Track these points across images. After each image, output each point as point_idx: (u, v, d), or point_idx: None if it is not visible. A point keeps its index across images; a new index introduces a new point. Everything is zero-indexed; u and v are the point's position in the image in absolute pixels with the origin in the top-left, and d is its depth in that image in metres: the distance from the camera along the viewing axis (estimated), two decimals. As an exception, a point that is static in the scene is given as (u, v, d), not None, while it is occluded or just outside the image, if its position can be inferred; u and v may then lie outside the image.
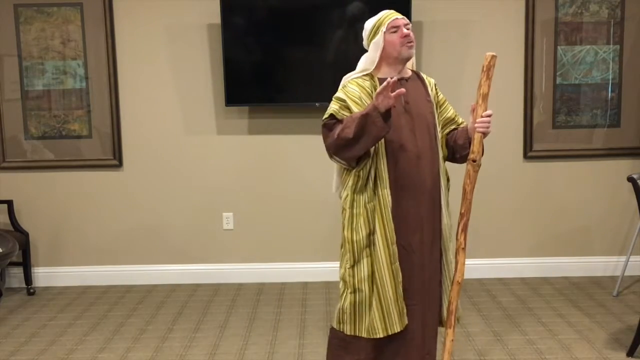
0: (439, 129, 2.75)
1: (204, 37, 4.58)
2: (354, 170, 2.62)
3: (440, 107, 2.80)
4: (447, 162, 2.82)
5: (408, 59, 2.68)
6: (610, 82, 4.62)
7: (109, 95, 4.62)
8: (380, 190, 2.61)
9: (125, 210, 4.75)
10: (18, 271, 4.73)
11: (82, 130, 4.67)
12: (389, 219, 2.61)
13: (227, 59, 4.44)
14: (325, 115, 2.64)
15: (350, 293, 2.66)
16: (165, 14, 4.58)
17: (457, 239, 2.71)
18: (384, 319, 2.62)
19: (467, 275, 4.62)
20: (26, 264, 4.67)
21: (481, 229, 4.73)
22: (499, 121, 4.65)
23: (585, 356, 3.40)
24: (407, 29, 2.64)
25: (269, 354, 3.53)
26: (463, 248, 2.70)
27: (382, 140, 2.58)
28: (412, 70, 2.79)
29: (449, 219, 2.78)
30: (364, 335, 2.65)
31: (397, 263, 2.62)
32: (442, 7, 4.54)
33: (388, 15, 2.66)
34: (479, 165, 2.66)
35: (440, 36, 4.56)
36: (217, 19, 4.43)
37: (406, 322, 2.65)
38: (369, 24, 2.70)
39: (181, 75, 4.63)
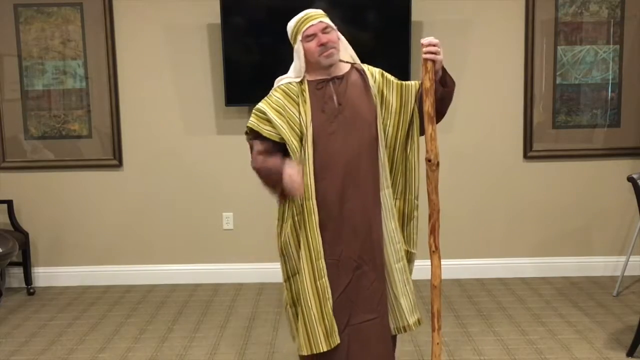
0: (380, 125, 2.54)
1: (204, 37, 4.58)
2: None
3: (401, 90, 2.58)
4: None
5: (330, 66, 2.53)
6: (610, 82, 4.62)
7: (109, 95, 4.62)
8: (305, 200, 2.47)
9: (125, 210, 4.75)
10: (18, 271, 4.73)
11: (82, 130, 4.67)
12: (314, 232, 2.47)
13: (227, 59, 4.44)
14: (245, 129, 2.58)
15: (290, 307, 2.61)
16: (165, 14, 4.58)
17: (428, 242, 2.57)
18: (307, 337, 2.50)
19: (467, 276, 4.68)
20: (26, 264, 4.67)
21: (481, 229, 4.73)
22: (499, 121, 4.67)
23: (585, 356, 3.40)
24: (326, 33, 2.49)
25: (269, 354, 3.53)
26: (434, 251, 2.56)
27: (310, 147, 2.47)
28: (353, 64, 2.61)
29: (394, 222, 2.59)
30: (297, 351, 2.57)
31: (324, 279, 2.48)
32: (442, 7, 4.54)
33: (303, 22, 2.52)
34: (437, 165, 2.51)
35: (440, 36, 4.51)
36: (217, 19, 4.43)
37: (337, 341, 2.50)
38: (289, 27, 2.61)
39: (181, 75, 4.63)
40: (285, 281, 2.62)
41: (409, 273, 2.67)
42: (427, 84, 2.43)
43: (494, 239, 4.75)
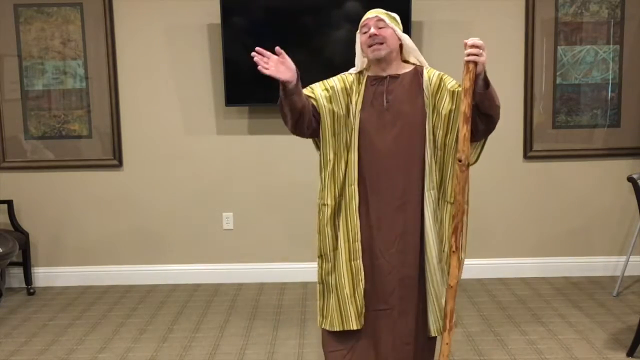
0: (430, 126, 2.59)
1: (204, 37, 4.58)
2: (325, 166, 2.63)
3: (454, 95, 2.58)
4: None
5: (378, 60, 2.59)
6: (610, 82, 4.62)
7: (109, 95, 4.62)
8: (347, 186, 2.61)
9: (125, 210, 4.75)
10: (18, 271, 4.73)
11: (82, 130, 4.67)
12: (354, 216, 2.59)
13: (227, 59, 4.44)
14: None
15: (319, 284, 2.70)
16: (165, 14, 4.58)
17: (448, 242, 2.61)
18: (340, 314, 2.62)
19: (467, 276, 4.64)
20: (26, 264, 4.67)
21: (481, 229, 4.73)
22: (499, 121, 4.66)
23: (585, 356, 3.40)
24: (379, 27, 2.56)
25: (269, 354, 3.53)
26: (454, 251, 2.57)
27: (356, 136, 2.58)
28: (416, 65, 2.67)
29: (438, 224, 2.65)
30: (327, 327, 2.66)
31: (359, 261, 2.60)
32: (442, 7, 4.54)
33: (365, 15, 2.62)
34: (467, 165, 2.54)
35: (440, 36, 4.56)
36: (217, 19, 4.43)
37: (363, 322, 2.62)
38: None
39: (181, 75, 4.63)
40: (318, 258, 2.70)
41: (446, 277, 2.68)
42: (467, 84, 2.43)
43: (494, 239, 4.75)
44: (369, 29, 2.57)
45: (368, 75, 2.64)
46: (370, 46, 2.57)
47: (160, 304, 4.37)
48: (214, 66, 4.59)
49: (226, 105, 4.54)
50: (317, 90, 2.66)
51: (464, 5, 4.56)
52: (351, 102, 2.62)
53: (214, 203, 4.74)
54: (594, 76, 4.61)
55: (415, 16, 4.40)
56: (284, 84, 2.59)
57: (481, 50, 2.40)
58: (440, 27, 4.54)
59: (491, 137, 4.76)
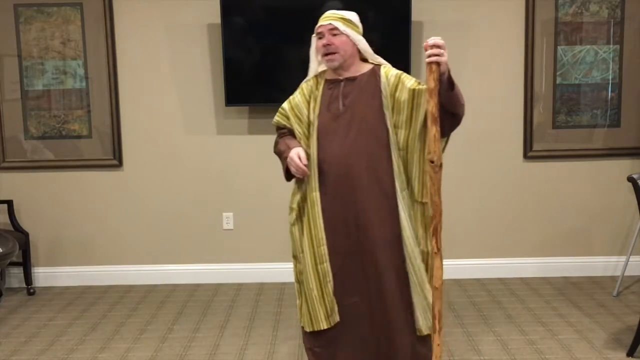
0: (391, 127, 2.59)
1: (204, 37, 4.58)
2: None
3: (414, 93, 2.56)
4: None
5: (335, 69, 2.63)
6: (610, 82, 4.62)
7: (109, 95, 4.62)
8: (309, 192, 2.66)
9: (125, 211, 4.75)
10: (18, 271, 4.73)
11: (82, 130, 4.67)
12: (317, 222, 2.64)
13: (227, 59, 4.44)
14: (273, 122, 2.85)
15: (296, 283, 2.80)
16: (165, 14, 4.58)
17: (423, 240, 2.61)
18: (310, 316, 2.70)
19: (467, 275, 4.68)
20: (26, 264, 4.66)
21: (481, 229, 4.73)
22: (499, 121, 4.67)
23: (585, 356, 3.40)
24: (333, 35, 2.56)
25: (269, 354, 3.53)
26: (436, 252, 2.53)
27: (314, 142, 2.64)
28: (374, 64, 2.67)
29: (412, 222, 2.64)
30: (304, 327, 2.74)
31: (326, 264, 2.65)
32: (442, 7, 4.54)
33: (320, 19, 2.64)
34: (439, 166, 2.47)
35: (440, 36, 4.54)
36: (217, 19, 4.43)
37: (337, 319, 2.68)
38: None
39: (181, 75, 4.63)
40: (293, 258, 2.81)
41: (426, 275, 2.70)
42: (432, 84, 2.40)
43: (494, 239, 4.75)
44: (323, 36, 2.58)
45: (326, 79, 2.67)
46: (324, 55, 2.59)
47: (160, 304, 4.37)
48: (214, 66, 4.59)
49: (226, 105, 4.54)
50: (292, 120, 2.75)
51: (464, 5, 4.56)
52: (309, 110, 2.67)
53: (214, 203, 4.74)
54: (594, 76, 4.61)
55: (415, 16, 4.40)
56: None
57: (442, 50, 2.37)
58: (440, 27, 4.53)
59: (491, 137, 4.79)
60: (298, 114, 2.72)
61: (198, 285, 4.72)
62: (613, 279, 4.57)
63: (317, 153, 2.63)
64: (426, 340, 2.73)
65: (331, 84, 2.65)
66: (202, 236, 4.77)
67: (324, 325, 2.67)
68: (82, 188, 4.74)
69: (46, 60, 4.61)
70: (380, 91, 2.61)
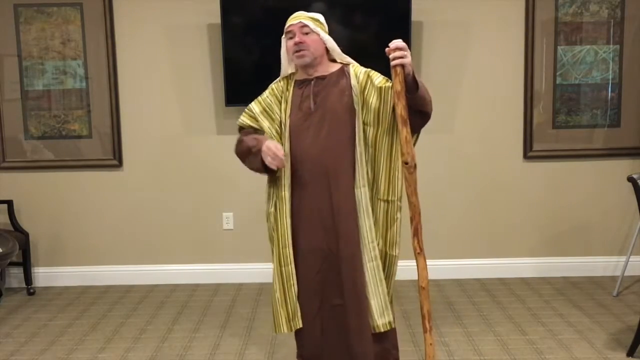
0: (360, 124, 2.62)
1: (204, 37, 4.58)
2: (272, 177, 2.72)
3: (381, 90, 2.60)
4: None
5: (305, 67, 2.66)
6: (610, 82, 4.62)
7: (109, 95, 4.62)
8: (279, 191, 2.67)
9: (125, 210, 4.75)
10: (18, 271, 4.73)
11: (82, 130, 4.68)
12: (285, 221, 2.65)
13: (227, 59, 4.44)
14: (238, 122, 2.82)
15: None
16: (165, 13, 4.58)
17: (412, 245, 2.58)
18: (273, 319, 2.74)
19: (467, 276, 4.68)
20: (26, 264, 4.67)
21: (481, 229, 4.73)
22: (499, 121, 4.67)
23: (585, 356, 3.40)
24: (304, 33, 2.61)
25: (269, 354, 3.53)
26: (419, 253, 2.56)
27: (287, 142, 2.65)
28: (343, 64, 2.71)
29: (369, 221, 2.65)
30: (273, 330, 2.77)
31: (290, 266, 2.66)
32: (442, 7, 4.54)
33: (288, 20, 2.67)
34: (414, 167, 2.50)
35: (440, 36, 4.56)
36: (217, 19, 4.43)
37: (298, 325, 2.70)
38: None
39: (181, 75, 4.63)
40: (273, 263, 2.77)
41: (382, 274, 2.71)
42: (398, 87, 2.44)
43: (494, 239, 4.75)
44: (294, 35, 2.61)
45: (296, 80, 2.70)
46: (295, 53, 2.62)
47: (160, 304, 4.37)
48: (214, 66, 4.59)
49: (226, 105, 4.54)
50: (262, 121, 2.74)
51: (464, 5, 4.56)
52: (281, 110, 2.68)
53: (214, 203, 4.74)
54: (594, 76, 4.61)
55: (415, 16, 4.40)
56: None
57: (405, 52, 2.41)
58: (440, 27, 4.54)
59: (491, 137, 4.79)
60: (270, 113, 2.73)
61: (198, 285, 4.72)
62: (613, 279, 4.57)
63: (289, 152, 2.65)
64: (384, 336, 2.77)
65: (301, 83, 2.69)
66: (202, 236, 4.77)
67: (284, 329, 2.69)
68: (82, 188, 4.74)
69: (46, 60, 4.61)
70: (350, 88, 2.65)
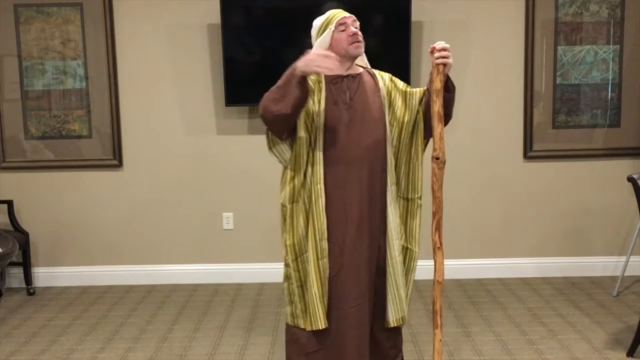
0: (388, 124, 2.69)
1: (204, 37, 4.58)
2: (289, 165, 2.67)
3: (406, 95, 2.73)
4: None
5: (356, 57, 2.68)
6: (610, 82, 4.62)
7: (109, 95, 4.62)
8: (314, 185, 2.64)
9: (125, 210, 4.75)
10: (18, 271, 4.73)
11: (82, 130, 4.68)
12: (320, 214, 2.62)
13: (227, 59, 4.44)
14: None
15: (298, 287, 2.72)
16: (165, 13, 4.58)
17: (432, 239, 2.65)
18: (309, 314, 2.65)
19: (467, 276, 4.68)
20: (26, 264, 4.67)
21: (481, 229, 4.73)
22: (499, 121, 4.67)
23: (585, 356, 3.40)
24: (355, 27, 2.64)
25: (269, 354, 3.53)
26: (439, 247, 2.64)
27: (321, 135, 2.62)
28: (364, 67, 2.76)
29: (396, 217, 2.73)
30: (307, 327, 2.68)
31: (325, 259, 2.64)
32: (442, 7, 4.54)
33: (336, 14, 2.66)
34: (443, 162, 2.60)
35: (440, 36, 4.52)
36: (217, 19, 4.43)
37: (326, 323, 2.66)
38: (317, 22, 2.71)
39: (181, 75, 4.63)
40: (293, 261, 2.71)
41: (403, 269, 2.77)
42: (438, 85, 2.55)
43: (494, 239, 4.75)
44: (348, 27, 2.63)
45: (325, 75, 2.67)
46: (353, 43, 2.62)
47: (160, 304, 4.37)
48: (214, 66, 4.59)
49: (226, 105, 4.54)
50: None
51: (464, 5, 4.56)
52: (314, 101, 2.65)
53: (214, 203, 4.74)
54: (594, 76, 4.61)
55: (415, 16, 4.40)
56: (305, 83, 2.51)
57: (449, 53, 2.53)
58: (440, 27, 4.54)
59: (491, 137, 4.79)
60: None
61: (198, 285, 4.72)
62: (613, 279, 4.57)
63: (322, 146, 2.63)
64: (392, 332, 2.80)
65: (334, 79, 2.67)
66: (202, 236, 4.77)
67: (322, 325, 2.65)
68: (82, 188, 4.74)
69: (46, 60, 4.61)
70: (379, 89, 2.72)
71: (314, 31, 2.72)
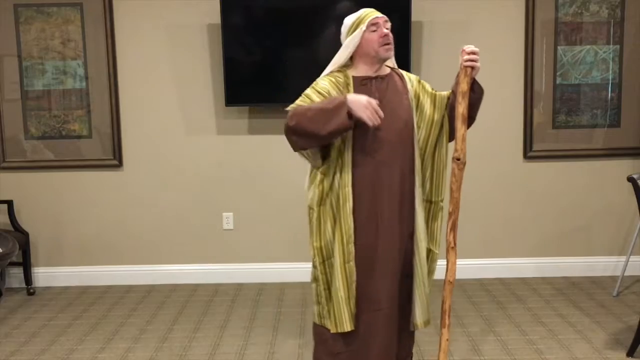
0: (416, 126, 2.69)
1: (204, 37, 4.58)
2: (321, 168, 2.63)
3: (434, 98, 2.73)
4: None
5: (385, 60, 2.66)
6: (610, 82, 4.62)
7: (109, 95, 4.62)
8: (341, 188, 2.61)
9: (126, 211, 4.75)
10: (18, 271, 4.73)
11: (82, 130, 4.67)
12: (347, 218, 2.60)
13: (227, 59, 4.44)
14: (289, 107, 2.61)
15: (325, 289, 2.70)
16: (166, 13, 4.58)
17: (446, 239, 2.67)
18: (335, 317, 2.64)
19: (467, 276, 4.68)
20: (26, 264, 4.67)
21: (481, 229, 4.73)
22: (499, 121, 4.67)
23: (585, 356, 3.40)
24: (387, 29, 2.62)
25: (269, 354, 3.53)
26: (452, 247, 2.66)
27: (350, 138, 2.58)
28: (392, 68, 2.74)
29: (424, 218, 2.74)
30: (332, 329, 2.67)
31: (352, 263, 2.62)
32: (442, 7, 4.54)
33: (369, 13, 2.64)
34: (464, 164, 2.63)
35: (440, 36, 4.56)
36: (217, 19, 4.43)
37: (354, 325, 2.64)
38: (348, 20, 2.68)
39: (181, 75, 4.63)
40: (320, 264, 2.69)
41: (427, 271, 2.79)
42: (465, 87, 2.58)
43: (494, 239, 4.75)
44: (379, 27, 2.60)
45: (354, 76, 2.65)
46: (384, 45, 2.60)
47: (160, 304, 4.37)
48: (214, 66, 4.59)
49: (226, 105, 4.54)
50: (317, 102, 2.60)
51: (464, 5, 4.56)
52: None
53: (214, 203, 4.74)
54: (594, 76, 4.61)
55: (415, 16, 4.40)
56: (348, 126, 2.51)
57: (478, 57, 2.59)
58: (440, 27, 4.54)
59: (491, 137, 4.79)
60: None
61: (198, 285, 4.72)
62: (613, 279, 4.57)
63: (352, 148, 2.60)
64: (410, 334, 2.83)
65: (363, 80, 2.65)
66: (202, 236, 4.77)
67: (348, 327, 2.63)
68: (82, 188, 4.74)
69: (46, 60, 4.61)
70: (407, 91, 2.70)
71: (344, 29, 2.69)
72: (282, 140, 4.67)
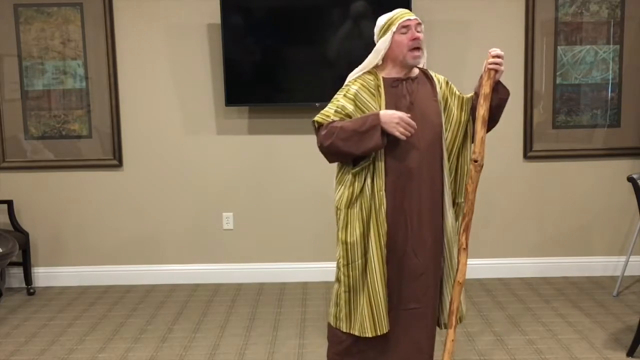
0: (444, 128, 2.69)
1: (204, 37, 4.58)
2: (352, 170, 2.62)
3: (460, 99, 2.75)
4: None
5: (413, 67, 2.65)
6: (610, 82, 4.62)
7: (109, 95, 4.62)
8: (376, 191, 2.59)
9: (125, 210, 4.75)
10: (18, 271, 4.73)
11: (82, 130, 4.68)
12: (383, 221, 2.59)
13: (227, 59, 4.44)
14: (318, 117, 2.60)
15: (345, 292, 2.67)
16: (165, 14, 4.58)
17: (459, 239, 2.71)
18: (373, 319, 2.62)
19: (467, 275, 4.65)
20: (26, 264, 4.67)
21: (481, 229, 4.73)
22: (499, 121, 4.66)
23: (585, 356, 3.40)
24: (419, 31, 2.60)
25: (269, 354, 3.53)
26: (464, 248, 2.70)
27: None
28: (421, 69, 2.73)
29: (454, 220, 2.76)
30: (356, 333, 2.65)
31: (386, 266, 2.62)
32: (442, 7, 4.54)
33: (401, 15, 2.62)
34: (481, 166, 2.64)
35: (440, 36, 4.56)
36: (217, 19, 4.43)
37: (387, 327, 2.64)
38: (381, 20, 2.68)
39: (181, 75, 4.63)
40: (344, 266, 2.67)
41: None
42: (487, 90, 2.63)
43: (494, 239, 4.75)
44: (410, 30, 2.60)
45: (384, 77, 2.64)
46: (413, 49, 2.59)
47: (160, 304, 4.37)
48: (214, 66, 4.59)
49: (226, 105, 4.54)
50: (350, 110, 2.59)
51: (464, 5, 4.56)
52: (378, 106, 2.60)
53: (214, 203, 4.74)
54: (594, 76, 4.61)
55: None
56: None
57: (502, 61, 2.65)
58: (440, 27, 4.54)
59: (491, 137, 4.76)
60: (365, 109, 2.59)
61: (198, 285, 4.72)
62: (613, 279, 4.57)
63: (384, 151, 2.58)
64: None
65: (394, 82, 2.64)
66: (202, 236, 4.77)
67: (385, 329, 2.62)
68: (82, 188, 4.74)
69: (46, 60, 4.61)
70: (436, 93, 2.70)
71: (376, 30, 2.69)
72: (282, 139, 4.71)
